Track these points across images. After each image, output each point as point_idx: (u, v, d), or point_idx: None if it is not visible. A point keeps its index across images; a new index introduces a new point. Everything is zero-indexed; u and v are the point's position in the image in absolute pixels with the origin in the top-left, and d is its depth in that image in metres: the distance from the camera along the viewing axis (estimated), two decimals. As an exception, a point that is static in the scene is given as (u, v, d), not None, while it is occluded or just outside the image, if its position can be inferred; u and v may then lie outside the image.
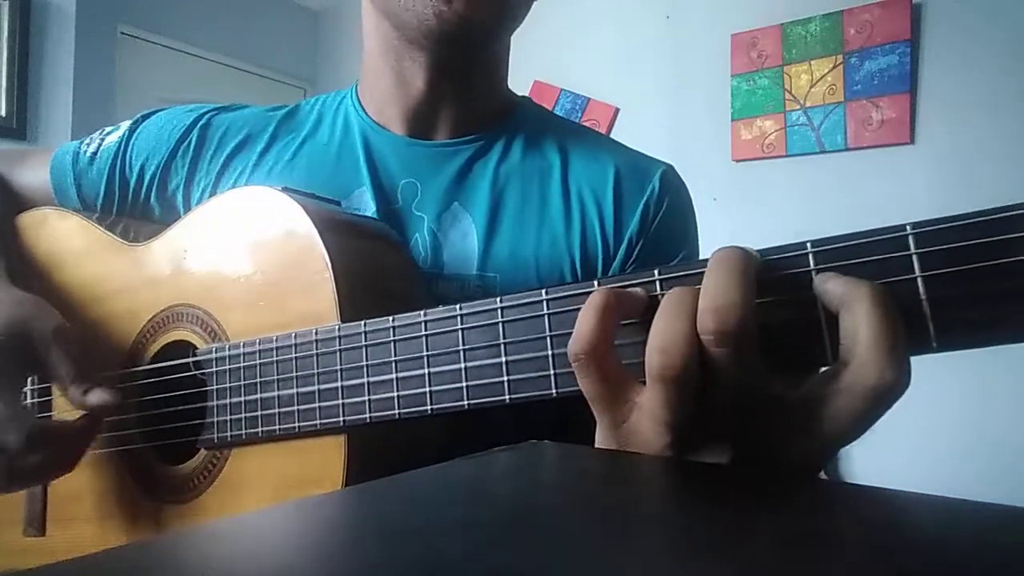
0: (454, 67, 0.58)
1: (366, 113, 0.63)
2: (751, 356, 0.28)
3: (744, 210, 2.30)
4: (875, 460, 1.95)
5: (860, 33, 2.17)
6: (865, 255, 0.28)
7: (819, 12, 2.24)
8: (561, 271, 0.57)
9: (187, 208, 0.64)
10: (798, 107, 2.27)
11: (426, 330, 0.39)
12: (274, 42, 3.43)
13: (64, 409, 0.56)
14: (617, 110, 2.64)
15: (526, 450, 0.29)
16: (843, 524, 0.20)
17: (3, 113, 2.49)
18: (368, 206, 0.58)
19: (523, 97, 0.67)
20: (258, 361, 0.46)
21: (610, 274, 0.57)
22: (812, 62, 2.25)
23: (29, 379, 0.58)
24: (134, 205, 0.66)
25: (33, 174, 0.69)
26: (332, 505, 0.23)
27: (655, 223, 0.59)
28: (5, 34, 2.49)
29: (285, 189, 0.49)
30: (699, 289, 0.29)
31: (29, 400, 0.61)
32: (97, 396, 0.51)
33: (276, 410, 0.45)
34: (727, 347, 0.28)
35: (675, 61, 2.53)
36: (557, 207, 0.59)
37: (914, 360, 0.27)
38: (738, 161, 2.37)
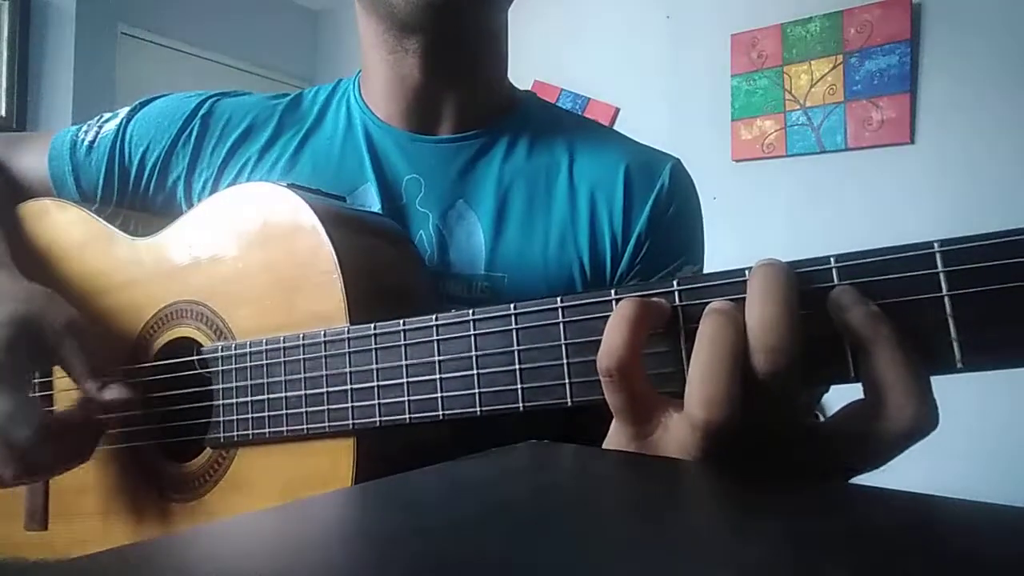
0: (449, 46, 0.57)
1: (368, 107, 0.62)
2: (795, 389, 0.28)
3: (744, 210, 2.29)
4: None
5: (860, 33, 2.17)
6: (890, 272, 0.28)
7: (819, 12, 2.24)
8: (570, 270, 0.56)
9: (188, 199, 0.64)
10: (798, 107, 2.27)
11: (438, 335, 0.39)
12: (274, 42, 3.42)
13: (65, 403, 0.56)
14: (617, 110, 2.64)
15: (526, 450, 0.29)
16: (845, 525, 0.20)
17: (3, 113, 2.49)
18: (373, 202, 0.57)
19: (527, 92, 0.66)
20: (265, 361, 0.46)
21: (619, 272, 0.57)
22: (812, 62, 2.25)
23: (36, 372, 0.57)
24: (134, 196, 0.64)
25: (31, 161, 0.67)
26: (332, 505, 0.23)
27: (664, 219, 0.58)
28: (5, 34, 2.48)
29: (291, 185, 0.48)
30: (739, 309, 0.28)
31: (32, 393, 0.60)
32: (115, 391, 0.50)
33: (284, 411, 0.45)
34: (776, 386, 0.27)
35: (675, 61, 2.53)
36: (564, 206, 0.58)
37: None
38: (738, 161, 2.37)
